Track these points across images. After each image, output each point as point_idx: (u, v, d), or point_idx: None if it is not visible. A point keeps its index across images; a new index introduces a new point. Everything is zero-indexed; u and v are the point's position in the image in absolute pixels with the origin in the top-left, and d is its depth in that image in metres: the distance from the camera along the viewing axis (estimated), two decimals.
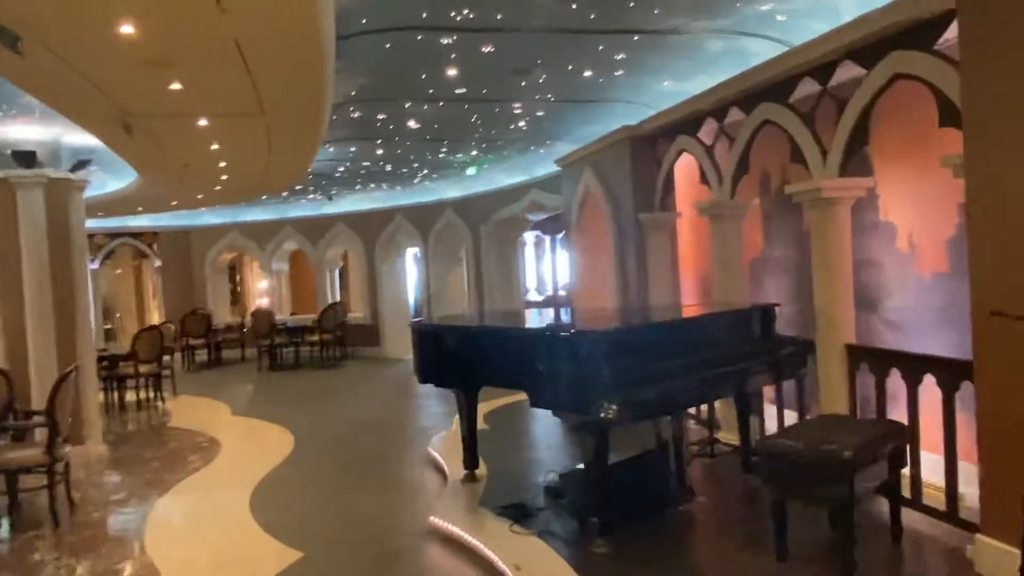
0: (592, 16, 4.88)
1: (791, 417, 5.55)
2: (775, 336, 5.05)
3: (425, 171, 11.67)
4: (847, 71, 4.67)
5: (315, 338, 14.28)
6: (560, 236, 16.62)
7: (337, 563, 4.55)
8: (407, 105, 7.14)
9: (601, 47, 5.59)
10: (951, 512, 4.04)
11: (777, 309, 5.11)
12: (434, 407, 9.55)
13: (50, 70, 3.98)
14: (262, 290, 18.83)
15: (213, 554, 4.82)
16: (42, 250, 7.20)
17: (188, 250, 16.61)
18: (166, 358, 11.02)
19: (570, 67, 6.11)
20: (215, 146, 6.59)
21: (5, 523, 5.53)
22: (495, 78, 6.37)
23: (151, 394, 10.75)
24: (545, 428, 7.66)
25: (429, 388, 11.06)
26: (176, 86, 4.52)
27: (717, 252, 6.22)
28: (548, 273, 16.62)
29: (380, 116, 7.52)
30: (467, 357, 5.09)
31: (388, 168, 11.15)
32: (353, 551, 4.73)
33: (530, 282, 16.57)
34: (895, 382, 4.59)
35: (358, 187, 13.31)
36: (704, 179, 6.43)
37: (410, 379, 12.30)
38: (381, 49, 5.31)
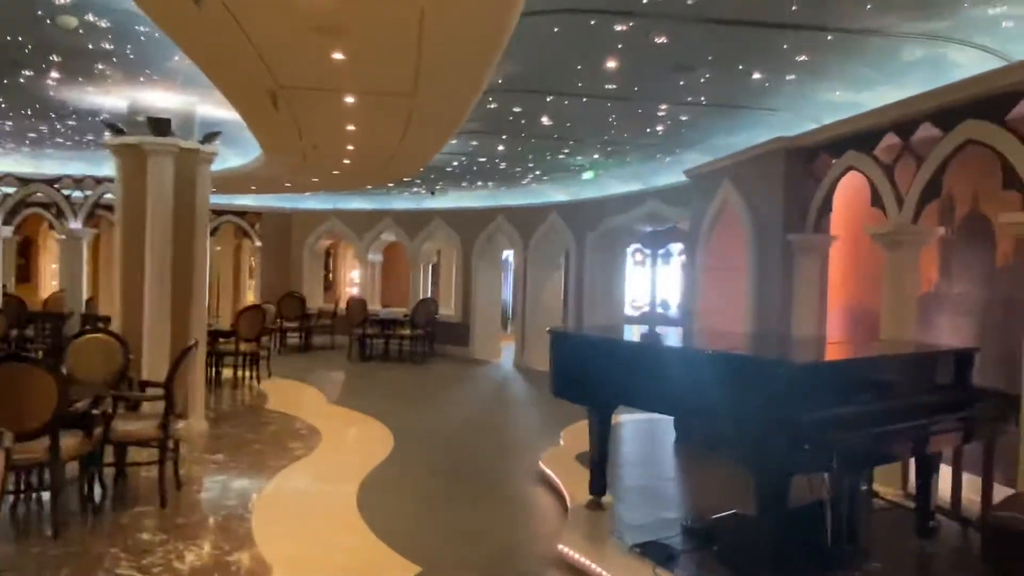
0: (794, 8, 4.35)
1: (968, 480, 4.88)
2: (971, 386, 4.40)
3: (537, 172, 11.30)
4: None
5: (406, 332, 14.11)
6: (662, 251, 16.01)
7: None
8: (549, 99, 6.74)
9: (786, 45, 5.05)
10: None
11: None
12: (536, 418, 9.15)
13: (219, 29, 3.74)
14: (353, 279, 18.91)
15: (324, 555, 4.50)
16: (167, 220, 7.14)
17: (288, 233, 16.75)
18: (264, 338, 10.99)
19: (740, 67, 5.58)
20: (351, 127, 6.36)
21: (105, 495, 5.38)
22: (653, 74, 5.90)
23: (247, 373, 10.71)
24: (665, 452, 7.15)
25: (527, 396, 10.88)
26: (338, 56, 4.24)
27: (890, 284, 5.57)
28: (646, 288, 16.00)
29: (516, 109, 7.15)
30: (615, 373, 4.63)
31: (502, 166, 10.82)
32: (472, 571, 4.34)
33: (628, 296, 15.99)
34: None
35: (464, 184, 13.07)
36: (877, 201, 5.79)
37: (505, 383, 12.09)
38: (546, 33, 4.91)
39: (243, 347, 10.48)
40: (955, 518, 4.81)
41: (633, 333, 5.69)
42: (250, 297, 17.56)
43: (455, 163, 10.59)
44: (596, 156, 9.69)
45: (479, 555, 4.59)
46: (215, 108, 7.33)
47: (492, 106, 6.99)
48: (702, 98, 6.56)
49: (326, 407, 9.35)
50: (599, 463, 5.13)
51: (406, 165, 9.08)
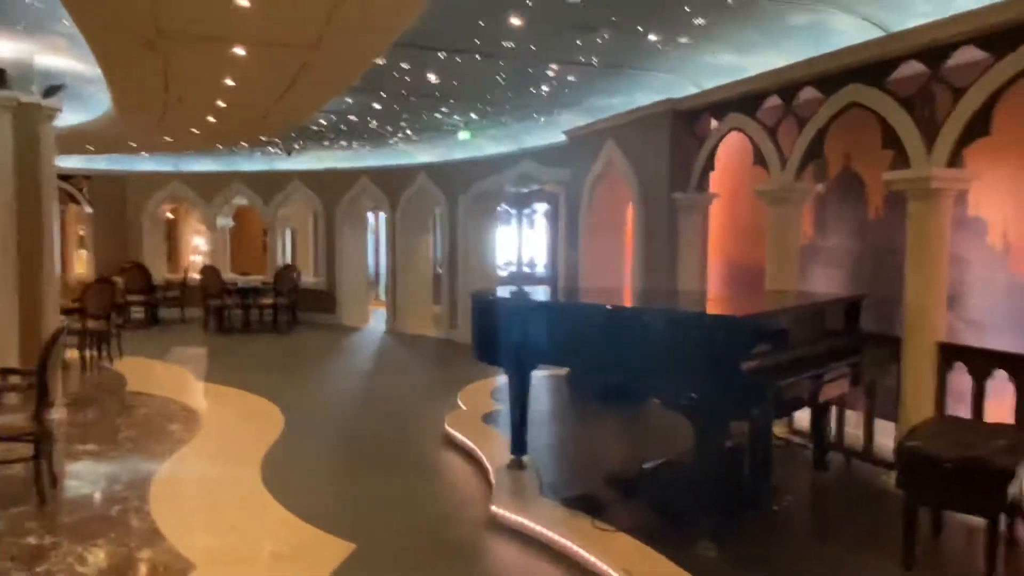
0: None
1: (852, 416, 5.41)
2: (861, 331, 4.85)
3: (408, 132, 10.99)
4: (962, 56, 4.46)
5: (268, 301, 13.40)
6: (528, 211, 16.23)
7: (400, 556, 4.07)
8: (442, 56, 6.52)
9: (688, 8, 5.18)
10: None
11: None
12: (426, 383, 9.06)
13: None
14: (198, 247, 17.63)
15: (248, 544, 4.22)
16: (7, 185, 6.25)
17: (123, 198, 15.24)
18: (114, 315, 10.00)
19: (640, 28, 5.67)
20: (229, 81, 5.83)
21: None
22: (553, 33, 5.86)
23: (96, 353, 9.72)
24: (564, 408, 7.33)
25: (409, 361, 10.71)
26: (243, 2, 3.84)
27: (774, 239, 5.97)
28: (512, 248, 16.18)
29: (404, 65, 6.87)
30: (538, 335, 4.65)
31: (372, 125, 10.42)
32: (411, 542, 4.25)
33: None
34: (962, 381, 4.50)
35: (325, 143, 12.47)
36: (760, 161, 6.16)
37: (381, 350, 11.82)
38: None
39: (91, 325, 9.49)
40: (840, 450, 5.33)
41: (554, 295, 5.74)
42: (79, 269, 15.91)
43: (322, 121, 10.06)
44: (474, 116, 9.57)
45: (411, 525, 4.50)
46: (58, 59, 6.44)
47: (380, 62, 6.68)
48: (594, 59, 6.62)
49: (196, 385, 8.70)
50: (520, 423, 5.16)
51: (277, 124, 8.51)
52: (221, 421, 6.97)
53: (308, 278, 14.98)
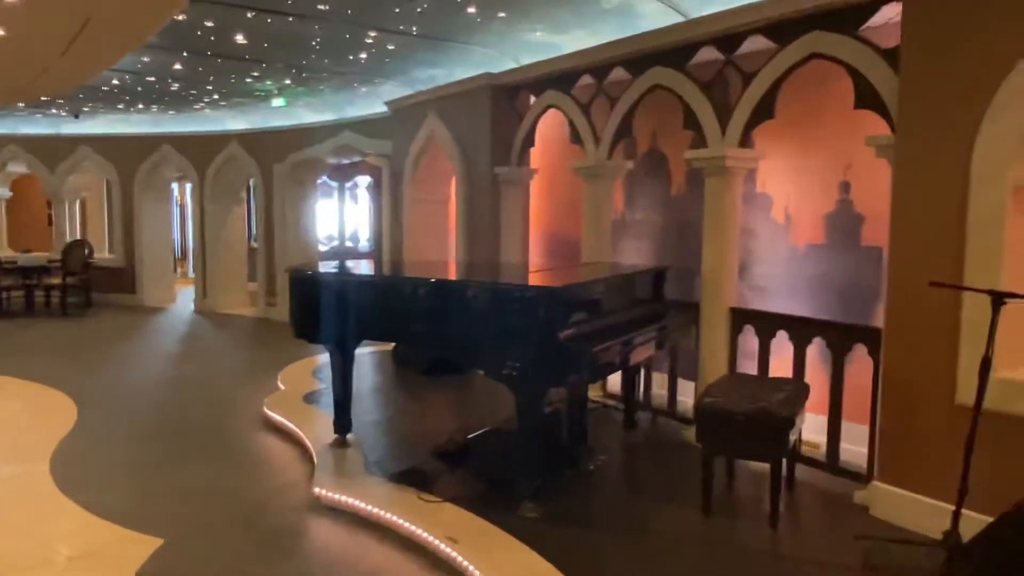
0: None
1: (658, 378, 5.82)
2: (665, 299, 5.21)
3: (215, 96, 10.24)
4: (752, 44, 4.87)
5: (55, 281, 12.05)
6: (349, 184, 15.77)
7: (213, 547, 3.84)
8: (251, 15, 6.11)
9: None
10: (833, 464, 4.49)
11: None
12: (242, 364, 8.59)
13: None
14: None
15: (42, 546, 3.79)
16: None
17: None
18: None
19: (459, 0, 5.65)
20: (0, 32, 5.09)
21: None
22: None
23: None
24: (389, 383, 7.25)
25: (222, 342, 10.07)
26: None
27: (589, 213, 6.24)
28: (334, 222, 15.67)
29: (208, 23, 6.36)
30: (358, 310, 4.55)
31: (174, 87, 9.60)
32: (225, 533, 4.02)
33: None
34: (751, 342, 5.02)
35: (120, 106, 11.33)
36: (576, 138, 6.39)
37: (190, 331, 11.02)
38: None
39: None
40: (648, 410, 5.73)
41: (374, 269, 5.61)
42: None
43: (115, 81, 9.10)
44: (288, 82, 9.09)
45: (227, 514, 4.25)
46: None
47: (180, 18, 6.13)
48: (413, 28, 6.51)
49: None
50: (344, 402, 5.05)
51: (58, 83, 7.59)
52: (2, 414, 6.19)
53: (103, 255, 13.63)
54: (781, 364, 4.84)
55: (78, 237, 13.74)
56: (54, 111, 11.63)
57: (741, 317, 5.09)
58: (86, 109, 11.53)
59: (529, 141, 7.07)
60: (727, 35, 4.98)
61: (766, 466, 3.96)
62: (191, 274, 15.29)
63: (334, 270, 5.23)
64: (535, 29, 6.42)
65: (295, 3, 5.82)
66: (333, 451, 4.99)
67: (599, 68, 6.11)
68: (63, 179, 13.43)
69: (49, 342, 9.88)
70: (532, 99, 7.03)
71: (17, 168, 13.71)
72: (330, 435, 5.18)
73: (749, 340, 5.08)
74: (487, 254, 7.31)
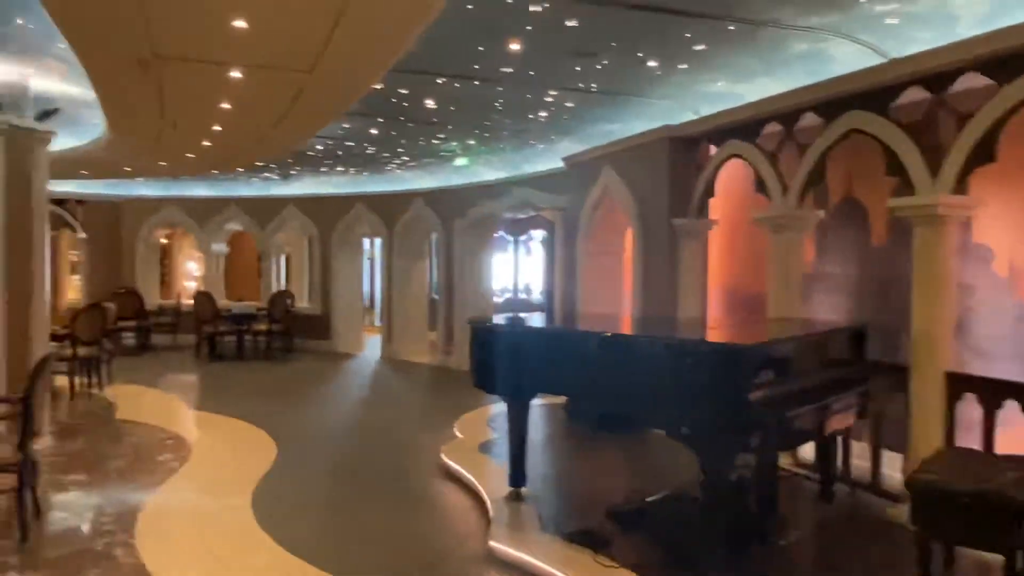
0: None
1: (858, 447, 5.29)
2: (866, 360, 4.76)
3: (406, 158, 10.96)
4: (965, 82, 4.43)
5: (262, 327, 13.26)
6: (524, 237, 16.18)
7: None
8: (440, 81, 6.49)
9: (688, 34, 5.17)
10: None
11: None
12: (421, 411, 8.91)
13: None
14: (192, 271, 17.51)
15: None
16: None
17: (117, 223, 15.17)
18: (105, 341, 9.86)
19: (640, 54, 5.65)
20: (225, 105, 5.77)
21: None
22: (553, 58, 5.83)
23: (86, 380, 9.57)
24: (562, 437, 7.19)
25: (404, 389, 10.56)
26: (239, 23, 3.78)
27: (776, 266, 5.90)
28: (508, 274, 16.11)
29: (402, 90, 6.84)
30: (536, 363, 4.55)
31: (370, 151, 10.38)
32: None
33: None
34: (971, 411, 4.41)
35: (323, 169, 12.43)
36: (761, 187, 6.11)
37: (377, 377, 11.66)
38: (458, 9, 4.68)
39: (81, 351, 9.34)
40: (847, 482, 5.20)
41: (552, 322, 5.64)
42: (72, 294, 15.75)
43: (319, 147, 10.02)
44: (472, 142, 9.54)
45: (405, 559, 4.35)
46: (52, 83, 6.39)
47: (377, 87, 6.64)
48: (593, 85, 6.60)
49: (187, 414, 8.54)
50: (519, 455, 5.04)
51: (273, 149, 8.46)
52: (212, 450, 6.81)
53: (303, 304, 14.87)
54: (1010, 439, 4.22)
55: (282, 288, 15.10)
56: (266, 174, 13.01)
57: (960, 383, 4.52)
58: (293, 172, 12.80)
59: (709, 192, 6.86)
60: (936, 74, 4.56)
61: (995, 556, 3.43)
62: (378, 323, 16.26)
63: (512, 323, 5.30)
64: (716, 79, 6.29)
65: (481, 68, 6.10)
66: (508, 504, 4.97)
67: (787, 115, 5.83)
68: (271, 236, 14.90)
69: (255, 383, 10.83)
70: (713, 149, 6.84)
71: (234, 226, 15.41)
72: (505, 487, 5.17)
73: (969, 409, 4.48)
74: (664, 308, 7.11)
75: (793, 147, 5.82)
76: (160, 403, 9.09)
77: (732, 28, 5.03)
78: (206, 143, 7.65)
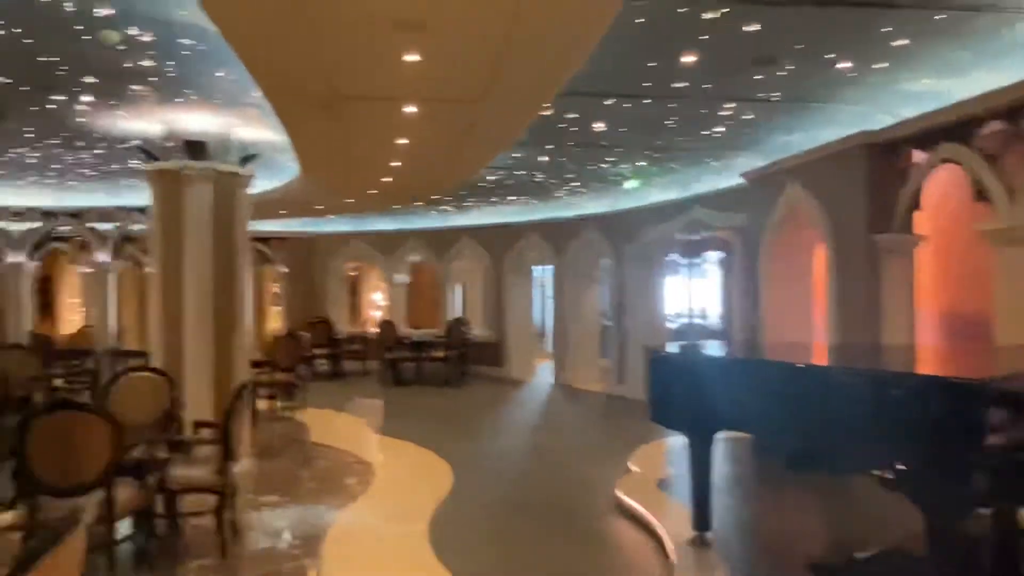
0: None
1: None
2: None
3: (575, 184, 10.88)
4: None
5: (440, 354, 13.67)
6: (698, 260, 15.53)
7: None
8: (609, 102, 6.32)
9: (888, 28, 4.62)
10: None
11: None
12: (595, 441, 8.68)
13: (287, 34, 3.34)
14: (376, 301, 18.52)
15: None
16: (206, 247, 6.76)
17: (311, 258, 16.40)
18: (300, 367, 10.57)
19: (829, 55, 5.15)
20: (403, 140, 5.95)
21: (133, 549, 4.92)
22: (730, 68, 5.47)
23: (284, 404, 10.28)
24: (749, 477, 6.65)
25: (576, 417, 10.41)
26: (412, 57, 3.83)
27: (1005, 284, 5.09)
28: (682, 299, 15.50)
29: (570, 115, 6.74)
30: (723, 395, 4.17)
31: (539, 178, 10.41)
32: None
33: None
34: None
35: (494, 199, 12.67)
36: (982, 196, 5.32)
37: (549, 404, 11.60)
38: (625, 27, 4.50)
39: (279, 377, 10.07)
40: None
41: (733, 351, 5.22)
42: (273, 324, 17.19)
43: (491, 178, 10.19)
44: (642, 163, 9.27)
45: None
46: (251, 130, 6.98)
47: (545, 113, 6.59)
48: (775, 94, 6.13)
49: (372, 437, 8.88)
50: (703, 496, 4.65)
51: (448, 182, 8.70)
52: (393, 475, 6.98)
53: (478, 331, 15.20)
54: None
55: (459, 315, 15.54)
56: (443, 207, 13.49)
57: None
58: (467, 204, 13.17)
59: (915, 203, 6.11)
60: None
61: None
62: (548, 349, 16.27)
63: (691, 351, 4.94)
64: (919, 77, 5.60)
65: (653, 85, 5.86)
66: (693, 551, 4.60)
67: (1012, 110, 5.05)
68: (448, 265, 15.41)
69: (432, 409, 11.12)
70: (917, 155, 6.10)
71: (414, 257, 16.13)
72: (687, 530, 4.80)
73: None
74: (863, 334, 6.39)
75: (1021, 147, 5.02)
76: (348, 427, 9.54)
77: (941, 18, 4.44)
78: (387, 179, 7.99)
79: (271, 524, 5.55)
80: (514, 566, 4.73)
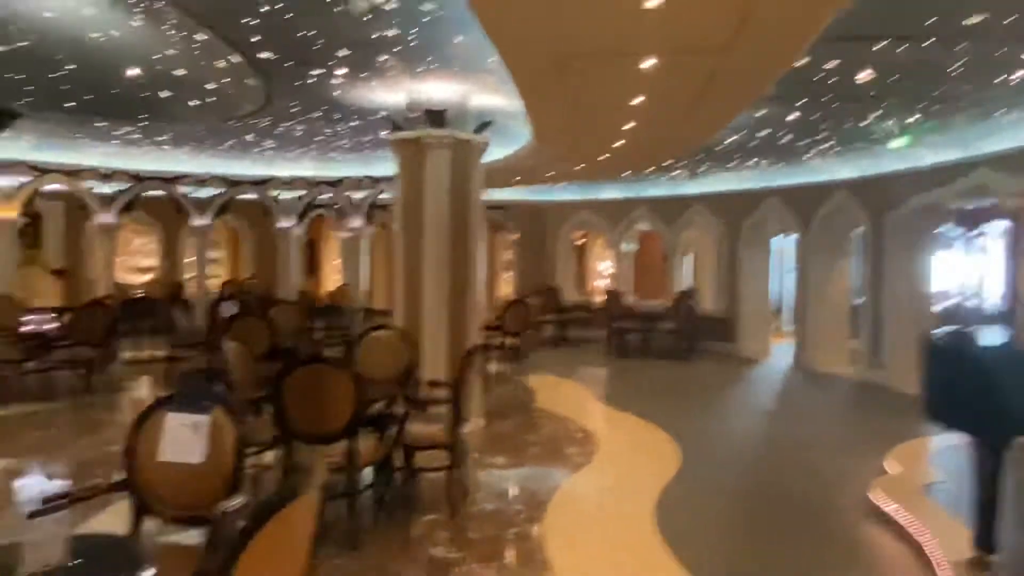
0: None
1: None
2: None
3: (828, 144, 9.78)
4: None
5: (667, 326, 13.22)
6: (974, 233, 13.46)
7: None
8: (879, 46, 5.47)
9: None
10: None
11: None
12: (843, 434, 7.84)
13: None
14: (602, 271, 18.41)
15: None
16: (444, 213, 6.97)
17: (543, 226, 16.63)
18: (527, 333, 10.76)
19: None
20: (639, 99, 5.62)
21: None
22: None
23: (512, 368, 10.54)
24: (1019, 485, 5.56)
25: (820, 405, 9.50)
26: (652, 3, 3.48)
27: None
28: (953, 276, 13.55)
29: (831, 63, 5.94)
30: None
31: (785, 139, 9.49)
32: None
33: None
34: None
35: (731, 164, 11.85)
36: None
37: (787, 388, 10.70)
38: None
39: (508, 341, 10.31)
40: None
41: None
42: (503, 290, 17.78)
43: (730, 140, 9.47)
44: (914, 118, 8.05)
45: None
46: (487, 97, 7.04)
47: (801, 62, 5.86)
48: None
49: (596, 407, 8.81)
50: (990, 511, 3.88)
51: (683, 144, 8.21)
52: (617, 449, 6.81)
53: (707, 305, 14.48)
54: None
55: (687, 287, 14.93)
56: (674, 173, 12.91)
57: None
58: (701, 169, 12.47)
59: None
60: None
61: None
62: (783, 328, 15.13)
63: (986, 341, 4.13)
64: None
65: (936, 24, 4.94)
66: (971, 573, 3.87)
67: None
68: (677, 235, 14.82)
69: (659, 382, 10.77)
70: None
71: (642, 226, 15.73)
72: (964, 548, 4.06)
73: None
74: None
75: None
76: (572, 395, 9.54)
77: None
78: (619, 142, 7.71)
79: (498, 486, 5.63)
80: (751, 566, 4.32)
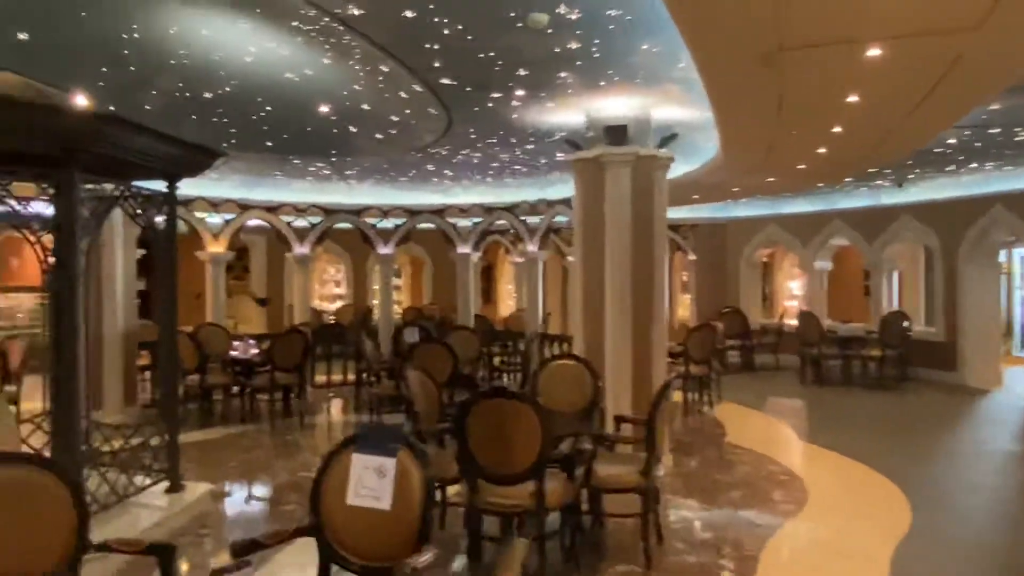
0: None
1: None
2: None
3: None
4: None
5: (873, 352, 11.85)
6: None
7: None
8: None
9: None
10: None
11: None
12: None
13: None
14: (792, 290, 17.03)
15: None
16: (626, 233, 6.58)
17: (723, 244, 15.70)
18: (714, 360, 10.01)
19: None
20: (854, 97, 4.92)
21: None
22: None
23: (696, 397, 9.84)
24: None
25: None
26: None
27: None
28: None
29: None
30: None
31: (1020, 138, 8.14)
32: None
33: None
34: None
35: (949, 168, 10.42)
36: None
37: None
38: None
39: (693, 369, 9.64)
40: None
41: None
42: (682, 313, 16.95)
43: (951, 141, 8.27)
44: None
45: None
46: (669, 110, 6.58)
47: None
48: None
49: (794, 443, 7.94)
50: None
51: (895, 149, 7.24)
52: (830, 497, 5.98)
53: (918, 327, 12.86)
54: None
55: (895, 308, 13.38)
56: (877, 182, 11.62)
57: None
58: (911, 176, 11.11)
59: None
60: None
61: None
62: (1016, 352, 13.12)
63: None
64: None
65: None
66: None
67: None
68: (881, 250, 13.34)
69: (868, 417, 9.58)
70: None
71: (838, 241, 14.34)
72: None
73: None
74: None
75: None
76: (767, 429, 8.71)
77: None
78: (821, 149, 6.93)
79: (694, 533, 5.07)
80: None
